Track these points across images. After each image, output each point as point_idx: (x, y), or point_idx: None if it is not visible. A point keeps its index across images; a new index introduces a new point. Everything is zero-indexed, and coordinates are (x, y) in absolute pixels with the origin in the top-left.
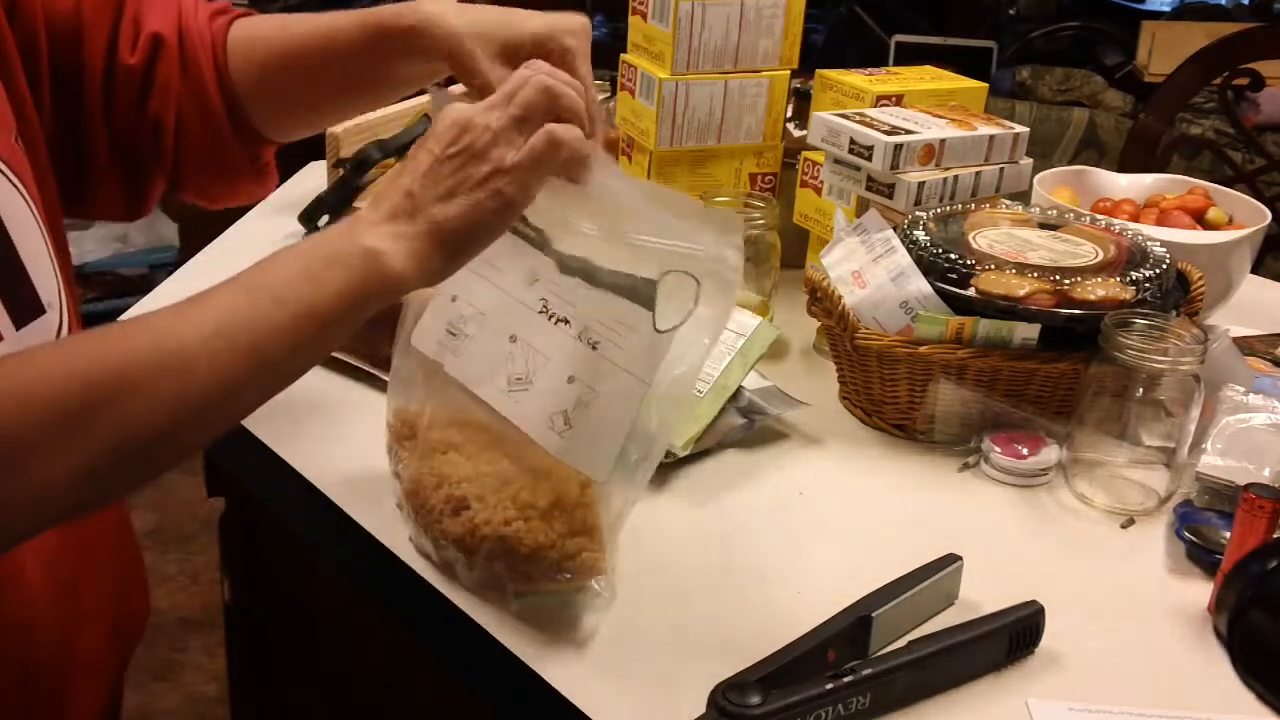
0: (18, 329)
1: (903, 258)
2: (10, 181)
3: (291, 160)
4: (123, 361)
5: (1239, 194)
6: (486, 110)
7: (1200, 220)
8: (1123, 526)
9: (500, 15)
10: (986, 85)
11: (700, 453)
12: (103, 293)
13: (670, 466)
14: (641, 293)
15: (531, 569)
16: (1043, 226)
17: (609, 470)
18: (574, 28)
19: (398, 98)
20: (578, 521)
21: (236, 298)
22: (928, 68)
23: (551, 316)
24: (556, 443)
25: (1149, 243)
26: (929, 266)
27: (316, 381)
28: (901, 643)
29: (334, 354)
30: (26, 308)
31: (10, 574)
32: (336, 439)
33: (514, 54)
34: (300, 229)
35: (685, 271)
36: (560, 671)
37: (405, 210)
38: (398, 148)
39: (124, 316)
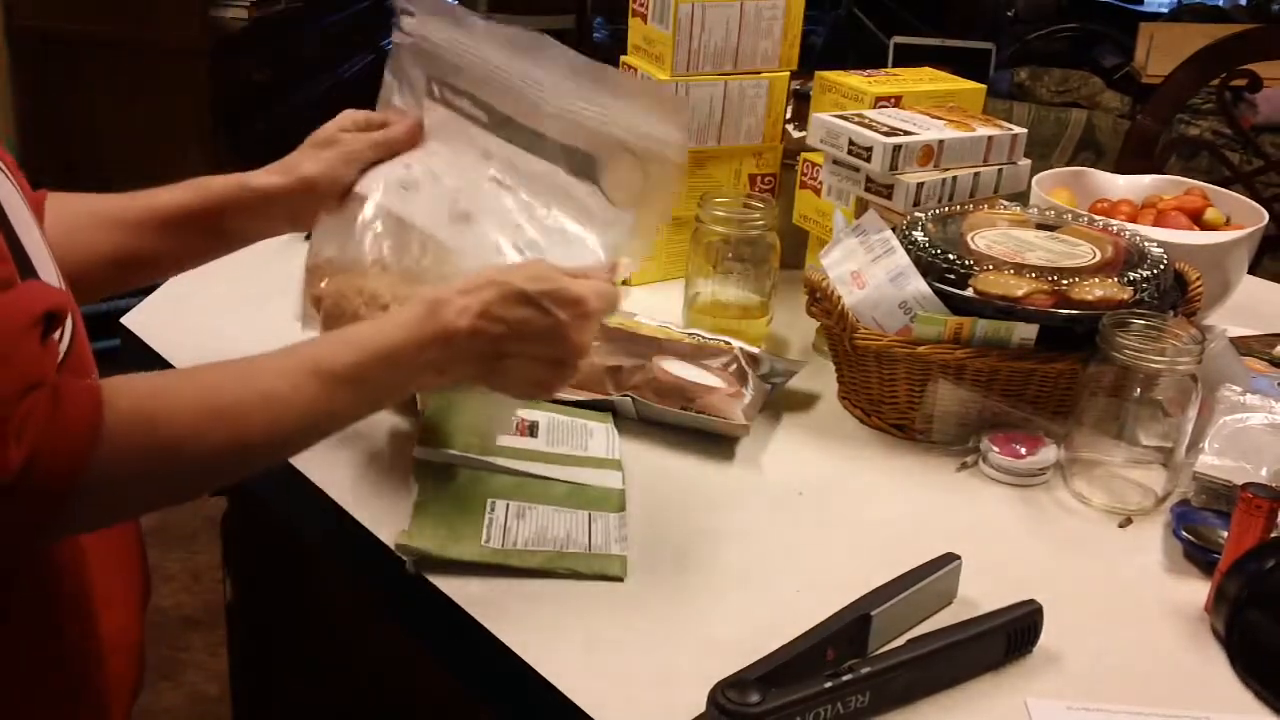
0: None
1: (901, 258)
2: (7, 178)
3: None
4: (230, 431)
5: (1236, 195)
6: (582, 322)
7: (1198, 221)
8: (1121, 526)
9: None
10: (985, 86)
11: (699, 453)
12: None
13: (669, 467)
14: (583, 166)
15: None
16: (1041, 227)
17: None
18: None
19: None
20: None
21: (339, 397)
22: (926, 69)
23: (504, 186)
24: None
25: (1147, 243)
26: (928, 267)
27: None
28: (900, 641)
29: None
30: None
31: (41, 554)
32: (337, 437)
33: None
34: None
35: (631, 152)
36: (560, 671)
37: (485, 346)
38: None
39: (126, 318)
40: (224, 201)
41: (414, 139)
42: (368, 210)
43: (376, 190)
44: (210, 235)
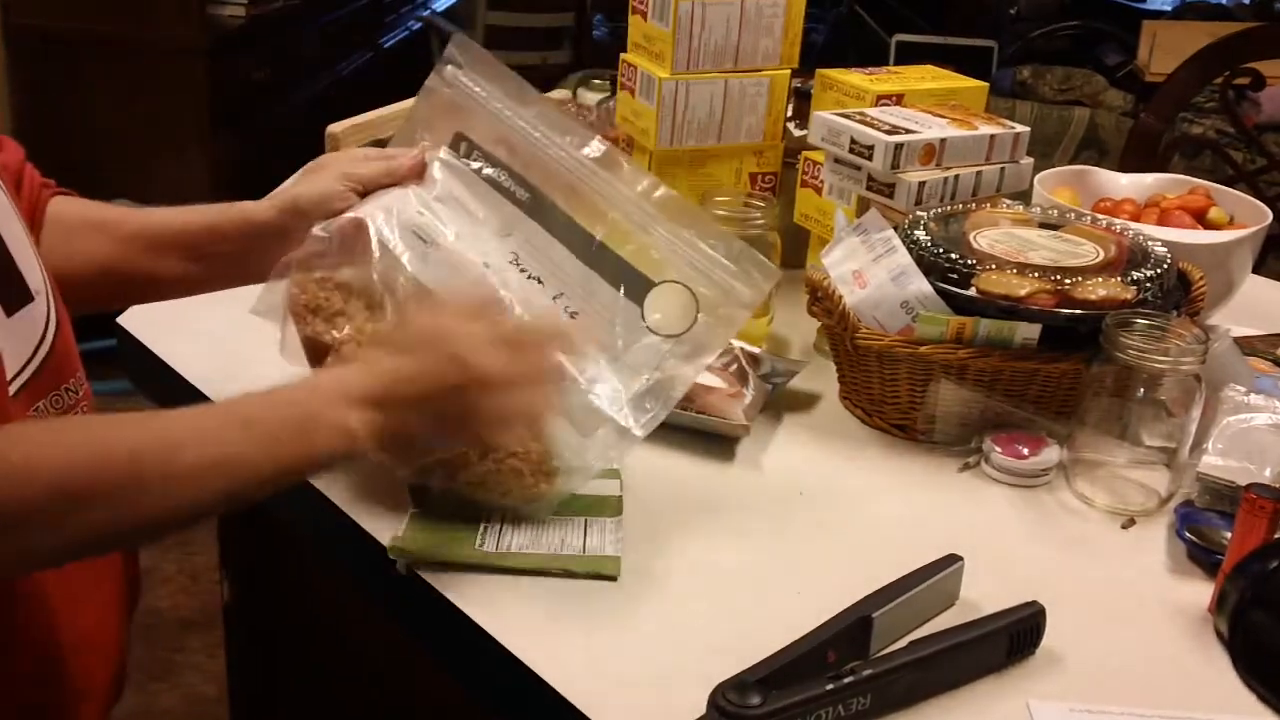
0: (9, 316)
1: (903, 257)
2: None
3: (290, 159)
4: (120, 470)
5: (1240, 194)
6: (496, 347)
7: (1201, 220)
8: (1124, 527)
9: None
10: (987, 85)
11: (699, 453)
12: None
13: (669, 467)
14: (634, 287)
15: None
16: (1043, 226)
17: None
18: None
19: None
20: None
21: (231, 434)
22: (928, 67)
23: (524, 271)
24: None
25: (1150, 242)
26: (930, 266)
27: None
28: (902, 643)
29: None
30: (17, 295)
31: None
32: None
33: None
34: None
35: (689, 289)
36: (560, 671)
37: (391, 411)
38: None
39: (122, 318)
40: (219, 227)
41: (416, 175)
42: (397, 256)
43: (390, 233)
44: (201, 261)
